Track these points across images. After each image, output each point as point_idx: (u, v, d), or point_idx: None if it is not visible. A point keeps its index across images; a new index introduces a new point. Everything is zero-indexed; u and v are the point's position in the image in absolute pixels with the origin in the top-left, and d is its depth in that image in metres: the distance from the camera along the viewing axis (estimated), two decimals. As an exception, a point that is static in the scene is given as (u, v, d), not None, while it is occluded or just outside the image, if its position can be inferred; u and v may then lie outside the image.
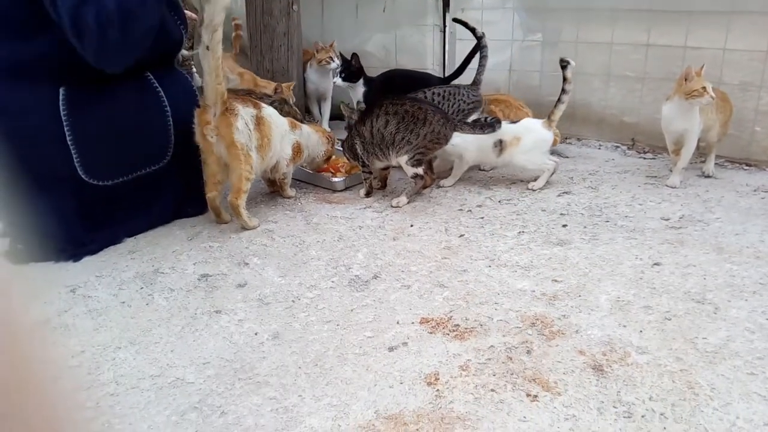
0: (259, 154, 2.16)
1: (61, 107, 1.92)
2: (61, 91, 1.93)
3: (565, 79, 2.44)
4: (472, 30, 2.76)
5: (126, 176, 2.09)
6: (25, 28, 1.88)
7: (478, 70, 2.73)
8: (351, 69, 3.13)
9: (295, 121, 2.46)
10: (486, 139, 2.44)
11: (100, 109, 1.99)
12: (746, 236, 1.97)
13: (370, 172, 2.46)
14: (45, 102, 1.92)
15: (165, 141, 2.17)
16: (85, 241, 2.02)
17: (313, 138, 2.50)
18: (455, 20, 3.01)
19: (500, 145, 2.45)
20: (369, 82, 3.17)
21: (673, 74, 2.77)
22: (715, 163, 2.71)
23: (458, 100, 2.65)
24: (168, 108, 2.15)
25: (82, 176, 1.98)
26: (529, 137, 2.45)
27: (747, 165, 2.68)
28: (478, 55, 2.78)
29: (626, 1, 2.86)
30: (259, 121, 2.16)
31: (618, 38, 2.92)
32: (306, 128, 2.47)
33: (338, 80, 3.17)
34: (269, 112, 2.24)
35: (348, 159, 2.52)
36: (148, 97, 2.13)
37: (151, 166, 2.15)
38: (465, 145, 2.48)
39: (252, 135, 2.12)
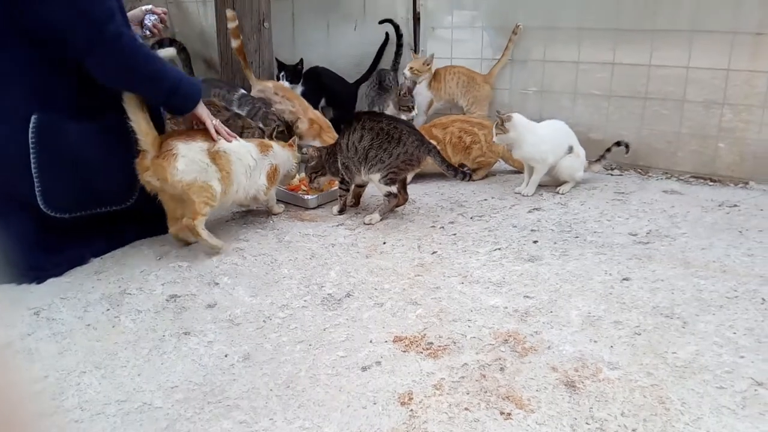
0: (223, 185, 2.08)
1: (30, 134, 1.88)
2: (33, 118, 1.89)
3: (608, 150, 2.73)
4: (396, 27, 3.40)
5: (85, 212, 2.04)
6: None
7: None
8: (296, 72, 3.42)
9: (265, 142, 2.37)
10: (563, 144, 2.61)
11: (70, 143, 1.95)
12: (712, 251, 2.01)
13: (347, 190, 2.45)
14: (17, 125, 1.88)
15: (131, 183, 2.09)
16: (47, 266, 1.96)
17: (284, 155, 2.43)
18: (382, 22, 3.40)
19: (570, 151, 2.62)
20: (305, 82, 3.48)
21: (638, 92, 2.85)
22: (681, 179, 2.78)
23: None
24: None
25: (41, 206, 1.93)
26: (582, 157, 2.67)
27: (711, 180, 2.74)
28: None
29: (592, 21, 2.92)
30: (214, 156, 2.06)
31: (584, 57, 2.98)
32: (277, 147, 2.40)
33: (285, 83, 3.35)
34: (226, 146, 2.12)
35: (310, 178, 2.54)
36: (120, 138, 2.05)
37: (114, 206, 2.09)
38: (550, 148, 2.57)
39: (208, 167, 2.04)
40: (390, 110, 3.11)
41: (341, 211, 2.47)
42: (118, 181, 2.09)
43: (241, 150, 2.18)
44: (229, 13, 3.13)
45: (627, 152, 2.70)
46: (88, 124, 1.97)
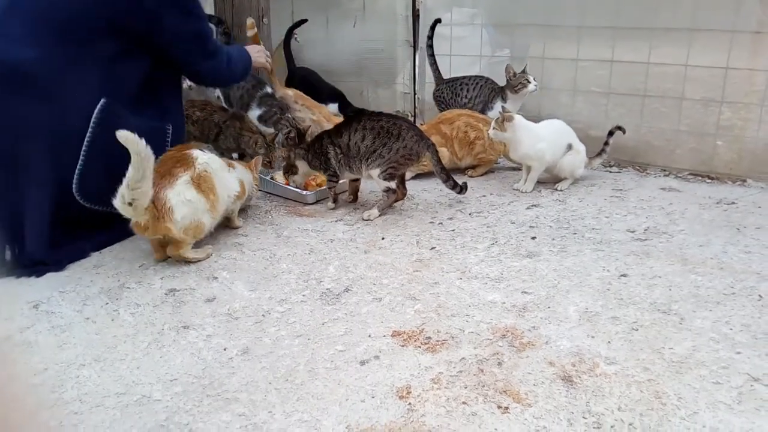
0: (211, 215, 2.01)
1: (95, 115, 1.96)
2: (102, 101, 1.97)
3: (606, 143, 2.73)
4: None
5: (106, 208, 1.98)
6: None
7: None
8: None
9: (230, 162, 2.27)
10: (561, 143, 2.61)
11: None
12: (710, 248, 2.02)
13: (337, 182, 2.46)
14: (84, 105, 1.95)
15: None
16: (48, 261, 1.96)
17: (247, 177, 2.31)
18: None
19: (568, 149, 2.62)
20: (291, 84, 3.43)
21: (637, 89, 2.86)
22: (679, 176, 2.78)
23: None
24: None
25: (73, 188, 1.98)
26: (583, 153, 2.66)
27: (709, 178, 2.75)
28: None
29: (591, 19, 2.92)
30: (198, 180, 1.96)
31: (583, 54, 2.98)
32: (239, 167, 2.28)
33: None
34: (204, 160, 2.03)
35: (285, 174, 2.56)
36: (161, 145, 2.10)
37: None
38: (548, 146, 2.57)
39: (198, 203, 1.95)
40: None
41: (335, 201, 2.48)
42: None
43: (215, 163, 2.10)
44: (249, 21, 3.10)
45: (624, 132, 2.70)
46: (141, 123, 1.96)
